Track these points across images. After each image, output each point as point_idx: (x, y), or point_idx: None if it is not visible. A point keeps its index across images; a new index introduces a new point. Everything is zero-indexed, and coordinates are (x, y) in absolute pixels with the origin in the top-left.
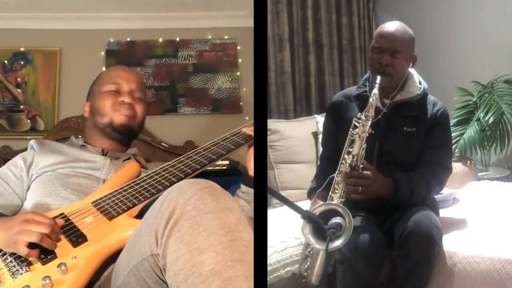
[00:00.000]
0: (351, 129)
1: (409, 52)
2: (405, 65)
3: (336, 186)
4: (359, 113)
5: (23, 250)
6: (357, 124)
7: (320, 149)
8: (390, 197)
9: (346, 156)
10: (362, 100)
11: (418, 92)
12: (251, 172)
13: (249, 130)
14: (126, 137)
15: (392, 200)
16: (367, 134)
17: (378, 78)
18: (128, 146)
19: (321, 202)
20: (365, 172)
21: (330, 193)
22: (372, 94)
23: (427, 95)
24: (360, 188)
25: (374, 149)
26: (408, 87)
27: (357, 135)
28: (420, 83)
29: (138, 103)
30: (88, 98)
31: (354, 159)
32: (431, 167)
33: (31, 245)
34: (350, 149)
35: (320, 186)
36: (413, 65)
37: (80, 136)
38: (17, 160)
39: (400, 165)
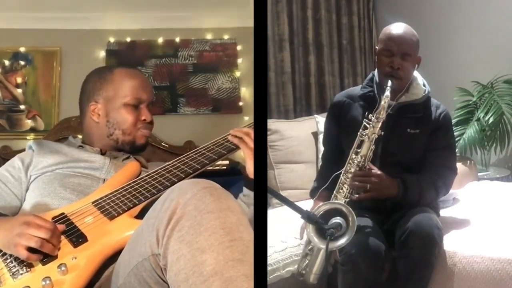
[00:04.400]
0: (361, 130)
1: (417, 54)
2: (412, 67)
3: (341, 185)
4: (370, 114)
5: (23, 254)
6: (367, 125)
7: (321, 149)
8: (399, 198)
9: (354, 156)
10: (366, 100)
11: (423, 94)
12: (249, 173)
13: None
14: None
15: (400, 201)
16: (377, 136)
17: (390, 81)
18: None
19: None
20: (373, 171)
21: (334, 192)
22: (384, 97)
23: (430, 97)
24: (368, 186)
25: (377, 150)
26: (412, 89)
27: (366, 136)
28: (424, 85)
29: (151, 114)
30: (97, 99)
31: (362, 159)
32: (437, 169)
33: (32, 249)
34: (358, 150)
35: (323, 185)
36: (418, 66)
37: (78, 136)
38: (15, 161)
39: (403, 166)
